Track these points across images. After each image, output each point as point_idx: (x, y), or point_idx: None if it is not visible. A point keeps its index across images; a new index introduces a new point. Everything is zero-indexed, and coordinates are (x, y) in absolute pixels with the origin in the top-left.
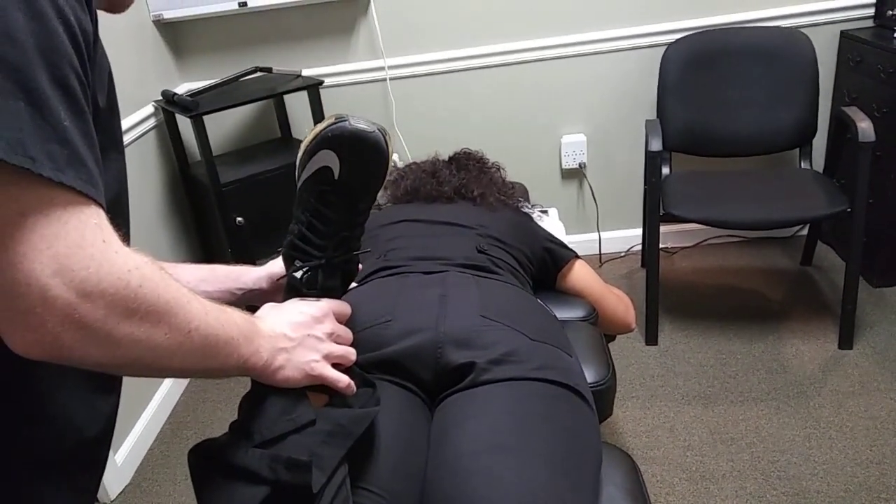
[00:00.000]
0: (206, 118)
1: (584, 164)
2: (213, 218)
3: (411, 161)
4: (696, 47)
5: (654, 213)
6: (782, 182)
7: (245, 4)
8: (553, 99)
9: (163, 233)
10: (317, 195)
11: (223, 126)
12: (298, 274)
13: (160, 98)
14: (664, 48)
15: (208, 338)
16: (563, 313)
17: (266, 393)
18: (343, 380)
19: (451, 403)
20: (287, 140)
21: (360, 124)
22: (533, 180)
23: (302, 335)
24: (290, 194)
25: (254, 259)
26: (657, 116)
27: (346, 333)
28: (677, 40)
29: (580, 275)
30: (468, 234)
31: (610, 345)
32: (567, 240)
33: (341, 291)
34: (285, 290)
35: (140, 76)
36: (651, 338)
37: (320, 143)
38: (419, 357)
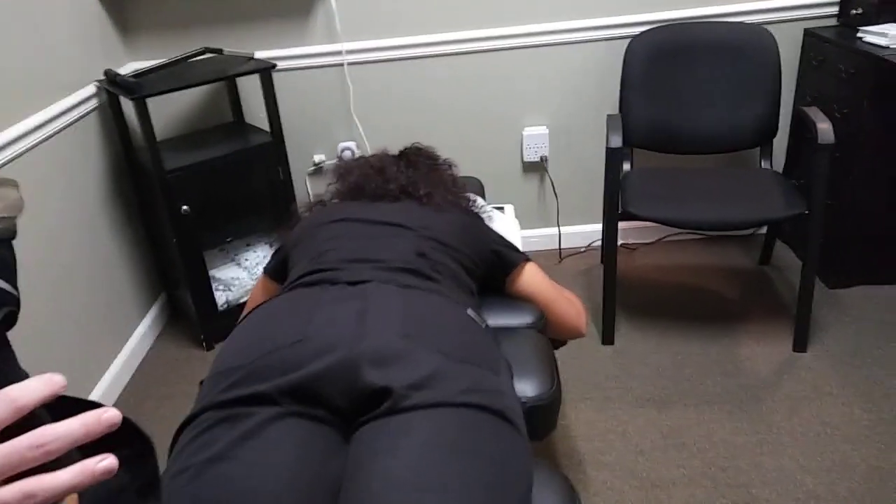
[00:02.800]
0: (154, 100)
1: (546, 157)
2: (158, 206)
3: (360, 155)
4: (660, 41)
5: (613, 211)
6: (741, 182)
7: None
8: (515, 90)
9: (104, 221)
10: None
11: (172, 109)
12: None
13: (103, 78)
14: (628, 41)
15: None
16: (510, 319)
17: None
18: (59, 481)
19: (367, 433)
20: (240, 124)
21: None
22: (494, 173)
23: None
24: (240, 182)
25: (200, 249)
26: (619, 111)
27: (20, 453)
28: (641, 33)
29: (530, 279)
30: (408, 236)
31: (566, 344)
32: (526, 234)
33: None
34: None
35: (82, 53)
36: (608, 337)
37: None
38: (332, 380)
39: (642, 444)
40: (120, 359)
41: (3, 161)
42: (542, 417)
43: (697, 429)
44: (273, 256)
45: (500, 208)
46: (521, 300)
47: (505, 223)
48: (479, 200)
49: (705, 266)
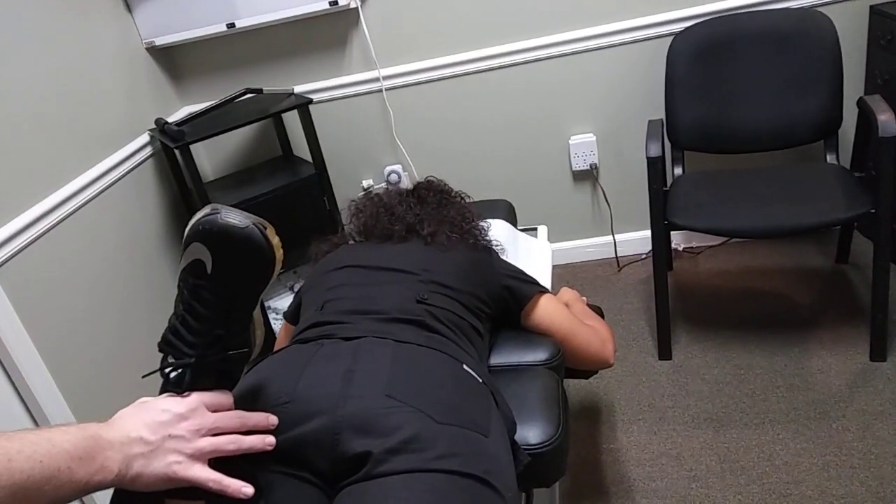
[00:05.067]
0: (207, 142)
1: (596, 164)
2: None
3: (375, 192)
4: (705, 36)
5: (659, 223)
6: (800, 180)
7: (233, 25)
8: (557, 99)
9: (164, 260)
10: (190, 288)
11: (224, 148)
12: (168, 371)
13: (155, 126)
14: (671, 38)
15: (16, 485)
16: (523, 356)
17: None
18: (212, 479)
19: (346, 497)
20: (288, 157)
21: (231, 219)
22: (543, 184)
23: (161, 437)
24: (287, 214)
25: None
26: (665, 113)
27: (226, 422)
28: (684, 30)
29: (544, 312)
30: (409, 282)
31: (596, 374)
32: (581, 244)
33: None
34: (161, 386)
35: (136, 104)
36: (664, 352)
37: (191, 235)
38: (314, 445)
39: (697, 469)
40: None
41: (68, 212)
42: (547, 464)
43: (758, 451)
44: (293, 300)
45: (533, 230)
46: (537, 334)
47: (533, 248)
48: (498, 228)
49: (775, 268)
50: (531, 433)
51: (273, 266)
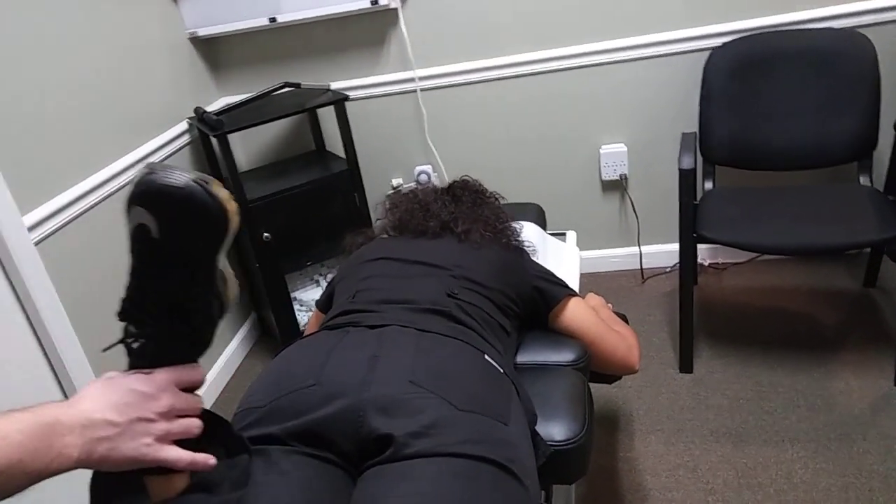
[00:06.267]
0: (242, 133)
1: (626, 175)
2: (243, 232)
3: (410, 189)
4: (744, 52)
5: (688, 235)
6: (832, 200)
7: (275, 19)
8: (590, 108)
9: None
10: (138, 255)
11: (259, 140)
12: (130, 342)
13: (194, 115)
14: (708, 53)
15: None
16: (550, 356)
17: (103, 484)
18: (183, 459)
19: (370, 478)
20: (321, 153)
21: (170, 178)
22: (571, 192)
23: (129, 419)
24: (318, 209)
25: (282, 273)
26: (699, 126)
27: (191, 404)
28: (723, 44)
29: (574, 314)
30: (441, 276)
31: (620, 379)
32: (607, 254)
33: (190, 359)
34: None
35: (177, 92)
36: (686, 365)
37: (131, 198)
38: (339, 425)
39: (714, 482)
40: (211, 374)
41: (107, 193)
42: (571, 461)
43: (776, 468)
44: (325, 290)
45: (562, 235)
46: (565, 336)
47: (563, 253)
48: (529, 230)
49: (801, 288)
50: (556, 430)
51: (225, 222)
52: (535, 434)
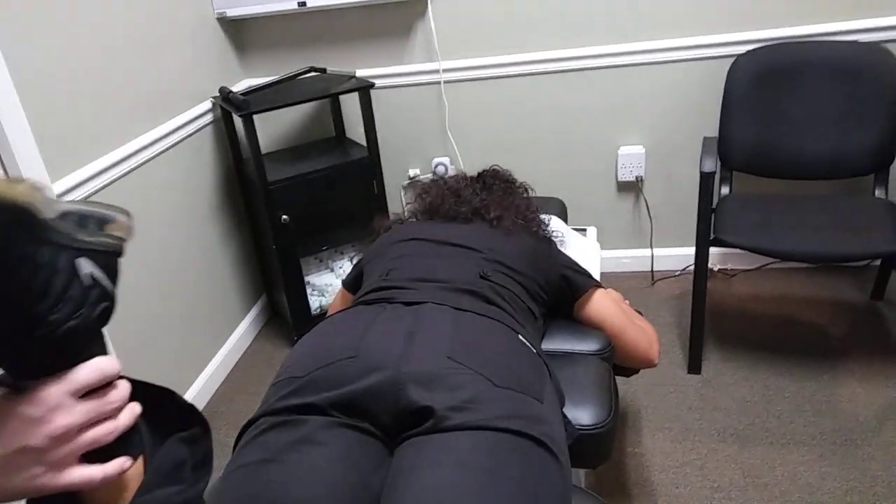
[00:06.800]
0: (263, 116)
1: (642, 177)
2: (260, 214)
3: (439, 176)
4: (768, 60)
5: (705, 238)
6: (848, 211)
7: (304, 4)
8: (611, 108)
9: (213, 225)
10: None
11: (281, 123)
12: None
13: (218, 94)
14: (732, 59)
15: None
16: (575, 345)
17: None
18: (95, 477)
19: (409, 448)
20: (341, 139)
21: None
22: (587, 192)
23: (10, 451)
24: (337, 194)
25: (297, 256)
26: (719, 132)
27: (102, 407)
28: (748, 52)
29: (599, 305)
30: (474, 258)
31: (638, 372)
32: (619, 255)
33: (81, 358)
34: None
35: (202, 71)
36: (694, 366)
37: None
38: (378, 397)
39: (720, 481)
40: (221, 354)
41: (133, 166)
42: (596, 446)
43: (781, 469)
44: (352, 269)
45: (583, 230)
46: (589, 326)
47: (584, 247)
48: (555, 223)
49: (809, 297)
50: (584, 414)
51: (22, 209)
52: (563, 415)
